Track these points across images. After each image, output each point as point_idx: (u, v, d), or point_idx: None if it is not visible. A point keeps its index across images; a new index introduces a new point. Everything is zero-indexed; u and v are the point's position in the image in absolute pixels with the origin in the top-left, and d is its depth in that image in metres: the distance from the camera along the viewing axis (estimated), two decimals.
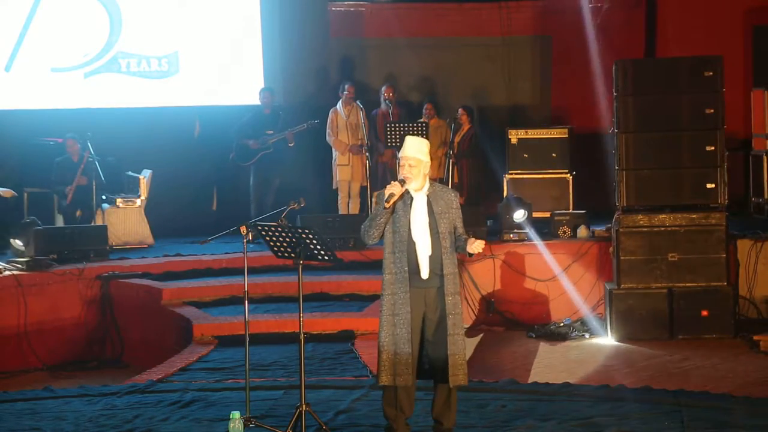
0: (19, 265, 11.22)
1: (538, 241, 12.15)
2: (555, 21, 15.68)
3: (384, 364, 6.65)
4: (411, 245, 6.69)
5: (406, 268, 6.66)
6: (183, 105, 14.40)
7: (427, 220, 6.72)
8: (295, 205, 7.31)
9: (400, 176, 6.74)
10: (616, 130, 11.30)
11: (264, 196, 13.32)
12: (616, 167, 11.29)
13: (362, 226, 6.74)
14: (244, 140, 13.26)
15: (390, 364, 6.63)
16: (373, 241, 6.72)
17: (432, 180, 6.90)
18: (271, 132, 13.16)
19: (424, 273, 6.70)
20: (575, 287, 11.99)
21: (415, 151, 6.74)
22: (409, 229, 6.69)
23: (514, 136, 13.72)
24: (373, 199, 6.86)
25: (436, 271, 6.71)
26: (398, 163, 6.83)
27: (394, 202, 6.66)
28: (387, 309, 6.67)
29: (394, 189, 6.64)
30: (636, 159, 11.21)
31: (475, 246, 6.70)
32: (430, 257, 6.70)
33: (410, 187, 6.73)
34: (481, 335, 11.66)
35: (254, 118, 13.39)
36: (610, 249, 11.58)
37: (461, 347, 6.74)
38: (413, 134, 12.68)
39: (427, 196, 6.76)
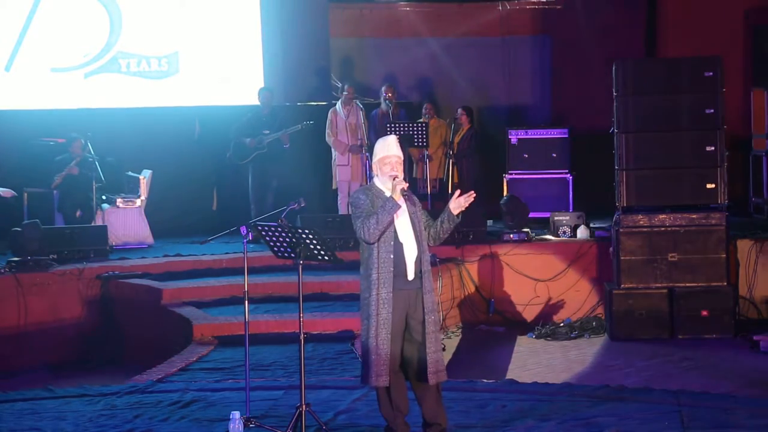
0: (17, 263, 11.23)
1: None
2: (555, 20, 15.69)
3: (370, 365, 6.63)
4: (398, 247, 6.65)
5: (392, 269, 6.63)
6: (183, 105, 14.41)
7: (409, 220, 6.71)
8: (296, 206, 7.31)
9: (389, 174, 6.68)
10: (616, 130, 11.30)
11: (263, 196, 13.32)
12: (616, 167, 11.29)
13: (362, 226, 6.57)
14: (242, 139, 13.28)
15: (375, 364, 6.61)
16: (375, 240, 6.65)
17: None
18: (267, 132, 13.18)
19: (411, 274, 6.69)
20: (575, 287, 12.01)
21: (399, 149, 6.76)
22: (395, 231, 6.66)
23: (514, 136, 13.72)
24: (360, 200, 6.67)
25: (418, 272, 6.70)
26: (381, 161, 6.71)
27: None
28: (371, 309, 6.63)
29: (403, 183, 6.61)
30: (636, 159, 11.21)
31: (460, 201, 6.63)
32: (415, 258, 6.69)
33: (387, 187, 6.69)
34: (476, 335, 11.68)
35: (254, 117, 13.40)
36: (610, 249, 11.59)
37: (440, 344, 6.78)
38: (413, 134, 12.75)
39: (403, 196, 6.73)
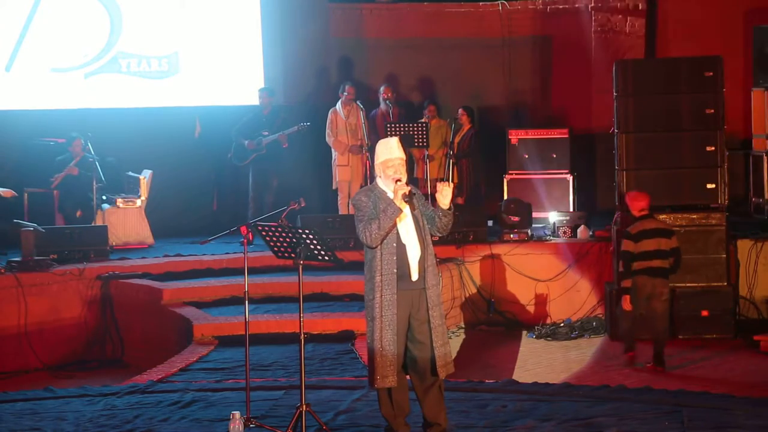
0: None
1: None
2: (555, 21, 15.69)
3: (376, 367, 6.63)
4: (401, 248, 6.64)
5: (395, 270, 6.62)
6: (183, 105, 14.39)
7: (412, 221, 6.70)
8: (295, 206, 7.30)
9: (392, 177, 6.65)
10: (616, 130, 11.30)
11: (263, 196, 13.34)
12: (616, 167, 11.29)
13: (364, 231, 6.54)
14: (242, 140, 13.32)
15: (380, 366, 6.61)
16: (378, 244, 6.63)
17: None
18: (266, 133, 13.19)
19: (415, 275, 6.68)
20: (575, 287, 12.02)
21: (402, 151, 6.75)
22: (397, 233, 6.65)
23: (514, 136, 13.71)
24: (362, 202, 6.66)
25: (422, 272, 6.69)
26: (384, 164, 6.68)
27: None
28: (376, 311, 6.63)
29: (406, 188, 6.59)
30: (636, 159, 11.21)
31: (444, 194, 6.60)
32: (419, 259, 6.68)
33: (391, 188, 6.66)
34: (476, 335, 11.68)
35: (254, 118, 13.41)
36: (610, 249, 11.58)
37: (447, 338, 6.78)
38: (414, 134, 12.74)
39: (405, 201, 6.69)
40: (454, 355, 10.39)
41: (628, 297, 9.72)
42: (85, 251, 11.85)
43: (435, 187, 13.88)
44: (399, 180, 6.62)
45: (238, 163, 13.42)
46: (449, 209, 6.66)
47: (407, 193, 6.57)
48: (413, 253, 6.67)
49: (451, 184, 6.74)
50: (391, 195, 6.62)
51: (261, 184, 13.37)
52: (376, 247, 6.59)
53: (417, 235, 6.69)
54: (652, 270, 9.78)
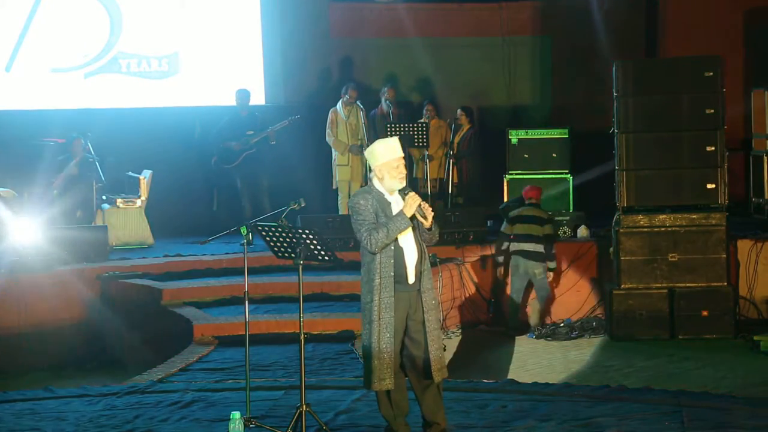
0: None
1: None
2: (555, 21, 15.69)
3: (372, 370, 6.61)
4: (398, 251, 6.61)
5: (392, 273, 6.60)
6: (183, 105, 14.41)
7: (408, 223, 6.67)
8: (296, 206, 7.29)
9: (398, 181, 6.59)
10: (616, 131, 11.30)
11: (257, 198, 13.33)
12: (616, 167, 11.29)
13: (369, 237, 6.46)
14: (226, 143, 13.31)
15: (377, 368, 6.59)
16: (380, 251, 6.58)
17: None
18: (252, 132, 13.19)
19: (411, 278, 6.66)
20: (575, 287, 12.02)
21: (402, 150, 6.71)
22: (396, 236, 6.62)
23: (514, 136, 13.71)
24: (361, 206, 6.57)
25: (419, 275, 6.68)
26: (388, 165, 6.58)
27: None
28: (374, 314, 6.60)
29: (419, 200, 6.49)
30: (636, 159, 11.21)
31: (411, 203, 6.48)
32: (416, 262, 6.65)
33: (387, 188, 6.64)
34: (475, 335, 11.68)
35: (232, 120, 13.41)
36: (610, 249, 11.59)
37: (442, 342, 6.77)
38: (414, 134, 12.73)
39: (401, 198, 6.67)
40: (452, 355, 10.48)
41: (501, 268, 11.92)
42: (85, 251, 11.85)
43: (434, 187, 13.90)
44: (410, 191, 6.53)
45: (226, 166, 13.42)
46: (430, 228, 6.55)
47: (421, 206, 6.47)
48: (411, 256, 6.64)
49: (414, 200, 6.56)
50: (388, 196, 6.59)
51: (252, 186, 13.38)
52: (377, 252, 6.58)
53: (414, 238, 6.67)
54: (523, 252, 11.53)
